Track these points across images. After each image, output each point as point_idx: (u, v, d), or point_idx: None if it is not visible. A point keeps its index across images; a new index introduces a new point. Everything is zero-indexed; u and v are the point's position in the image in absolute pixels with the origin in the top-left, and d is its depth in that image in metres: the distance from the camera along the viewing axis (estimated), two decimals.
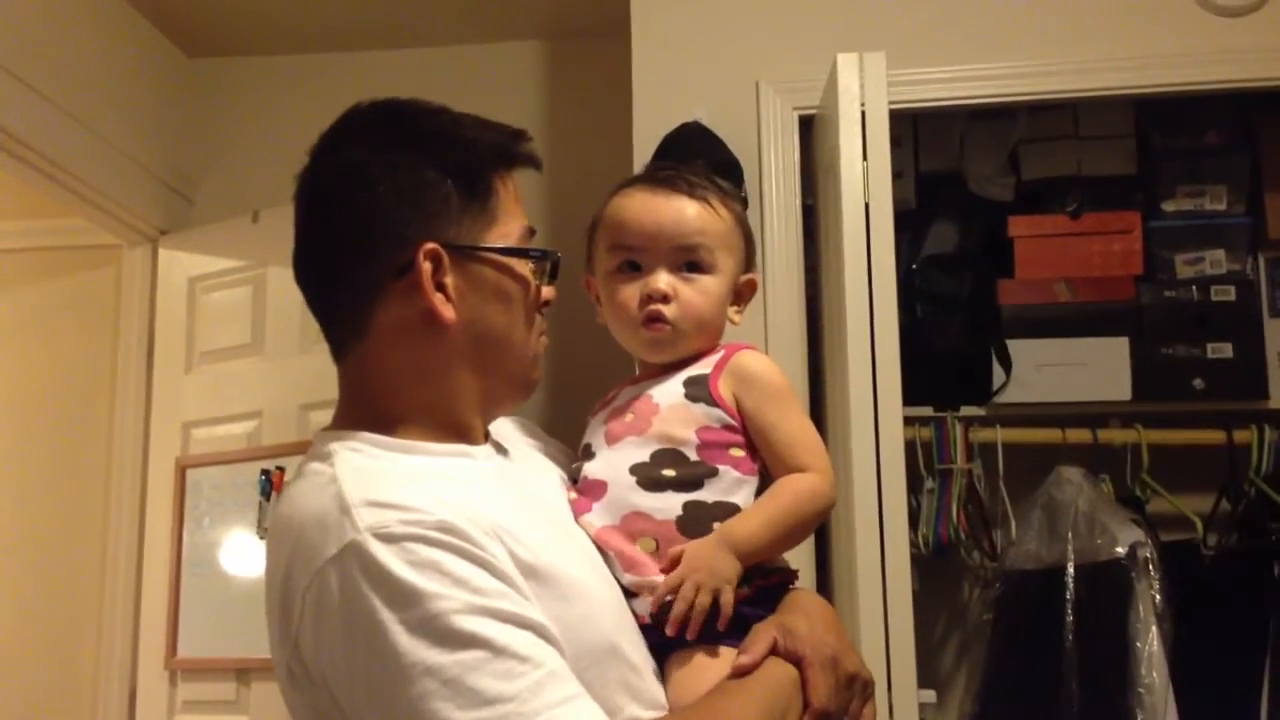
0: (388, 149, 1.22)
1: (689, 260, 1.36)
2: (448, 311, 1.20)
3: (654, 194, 1.38)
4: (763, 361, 1.37)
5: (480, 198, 1.24)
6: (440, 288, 1.20)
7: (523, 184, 1.31)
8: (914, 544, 2.77)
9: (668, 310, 1.34)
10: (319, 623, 1.07)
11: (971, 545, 2.95)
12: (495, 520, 1.12)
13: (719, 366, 1.35)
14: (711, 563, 1.22)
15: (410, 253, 1.19)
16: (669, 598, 1.22)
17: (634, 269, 1.37)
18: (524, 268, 1.27)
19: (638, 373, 1.43)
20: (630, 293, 1.36)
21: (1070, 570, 2.70)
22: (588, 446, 1.37)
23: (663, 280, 1.35)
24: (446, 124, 1.25)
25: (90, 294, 3.68)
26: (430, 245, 1.19)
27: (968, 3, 2.74)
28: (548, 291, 1.31)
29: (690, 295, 1.36)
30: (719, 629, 1.22)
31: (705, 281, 1.37)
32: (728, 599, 1.22)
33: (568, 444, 1.47)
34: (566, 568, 1.17)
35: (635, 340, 1.37)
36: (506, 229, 1.26)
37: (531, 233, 1.29)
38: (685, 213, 1.37)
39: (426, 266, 1.19)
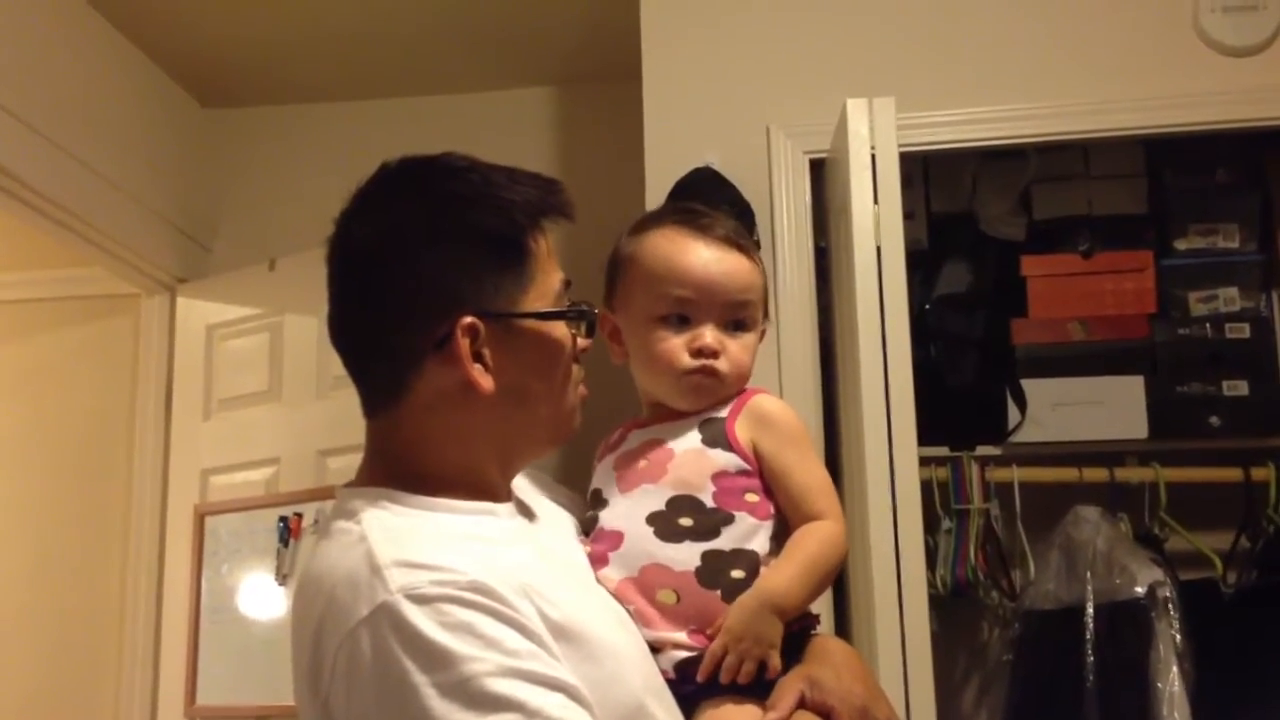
0: (422, 215, 1.21)
1: (736, 316, 1.37)
2: (486, 382, 1.20)
3: (704, 243, 1.37)
4: (780, 405, 1.37)
5: (515, 261, 1.22)
6: (478, 358, 1.20)
7: None
8: (932, 585, 2.76)
9: (718, 365, 1.34)
10: (351, 684, 1.07)
11: (990, 585, 2.94)
12: (523, 579, 1.12)
13: (735, 410, 1.35)
14: (756, 629, 1.22)
15: (449, 325, 1.18)
16: (688, 654, 1.23)
17: (680, 320, 1.35)
18: (561, 327, 1.26)
19: (645, 413, 1.41)
20: (677, 344, 1.34)
21: (1089, 610, 2.69)
22: (598, 493, 1.36)
23: (713, 336, 1.34)
24: (479, 185, 1.23)
25: (109, 343, 3.71)
26: (467, 319, 1.18)
27: (977, 45, 2.76)
28: (584, 342, 1.30)
29: (737, 351, 1.36)
30: (766, 679, 1.22)
31: (748, 339, 1.38)
32: (775, 664, 1.22)
33: (570, 486, 1.46)
34: (594, 627, 1.16)
35: (675, 386, 1.35)
36: (543, 288, 1.25)
37: (567, 285, 1.28)
38: (739, 269, 1.37)
39: (464, 342, 1.18)
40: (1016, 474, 2.86)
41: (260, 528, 3.19)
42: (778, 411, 1.36)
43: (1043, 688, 2.75)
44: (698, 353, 1.34)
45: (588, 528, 1.35)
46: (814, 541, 1.29)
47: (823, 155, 2.69)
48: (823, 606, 2.40)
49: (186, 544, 3.32)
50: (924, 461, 2.42)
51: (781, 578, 1.25)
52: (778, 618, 1.23)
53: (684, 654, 1.24)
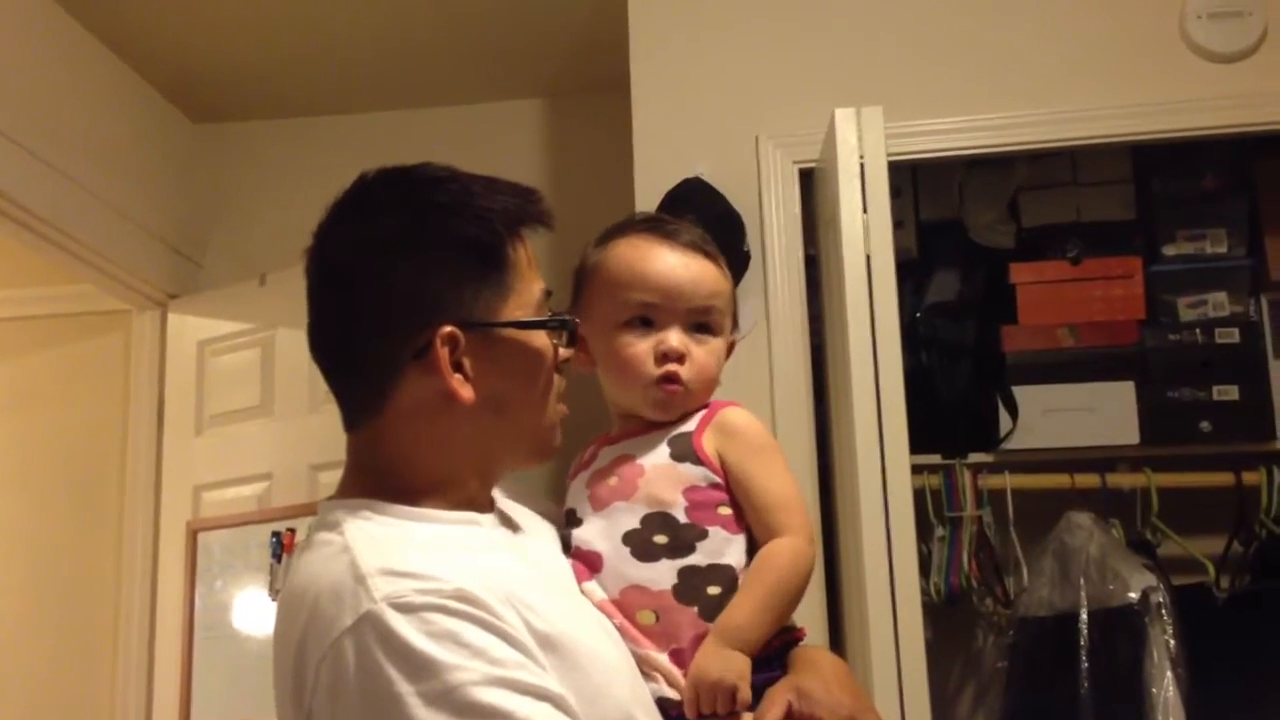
0: (399, 225, 1.21)
1: (701, 321, 1.36)
2: (465, 392, 1.19)
3: (669, 248, 1.37)
4: (747, 417, 1.36)
5: (495, 270, 1.22)
6: (458, 367, 1.19)
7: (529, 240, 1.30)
8: (926, 593, 2.76)
9: (683, 370, 1.33)
10: (335, 695, 1.06)
11: (984, 593, 2.94)
12: (509, 589, 1.11)
13: (703, 423, 1.34)
14: (719, 672, 1.20)
15: (428, 334, 1.18)
16: (668, 696, 1.22)
17: (644, 324, 1.35)
18: (541, 337, 1.25)
19: (615, 429, 1.40)
20: (643, 349, 1.34)
21: (1083, 616, 2.69)
22: (572, 512, 1.35)
23: (679, 340, 1.34)
24: (457, 194, 1.23)
25: (100, 359, 3.70)
26: (447, 329, 1.18)
27: (964, 54, 2.77)
28: (565, 352, 1.30)
29: (702, 356, 1.35)
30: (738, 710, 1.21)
31: (714, 343, 1.37)
32: (744, 696, 1.20)
33: (557, 502, 1.45)
34: (581, 637, 1.16)
35: (642, 397, 1.35)
36: (523, 297, 1.24)
37: (548, 294, 1.28)
38: (704, 274, 1.37)
39: (444, 351, 1.18)
40: (1009, 481, 2.86)
41: (253, 543, 3.19)
42: (743, 423, 1.35)
43: (1037, 694, 2.75)
44: (663, 357, 1.33)
45: (564, 547, 1.34)
46: (773, 567, 1.27)
47: (812, 165, 2.70)
48: (816, 616, 2.40)
49: (179, 560, 3.32)
50: (916, 469, 2.43)
51: (739, 615, 1.24)
52: (740, 651, 1.22)
53: (668, 693, 1.23)
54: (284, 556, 3.12)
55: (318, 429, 3.12)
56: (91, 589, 3.56)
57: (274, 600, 3.08)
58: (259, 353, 3.35)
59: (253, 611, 3.18)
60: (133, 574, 3.45)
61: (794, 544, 1.29)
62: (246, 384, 3.35)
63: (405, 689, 1.02)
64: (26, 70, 2.96)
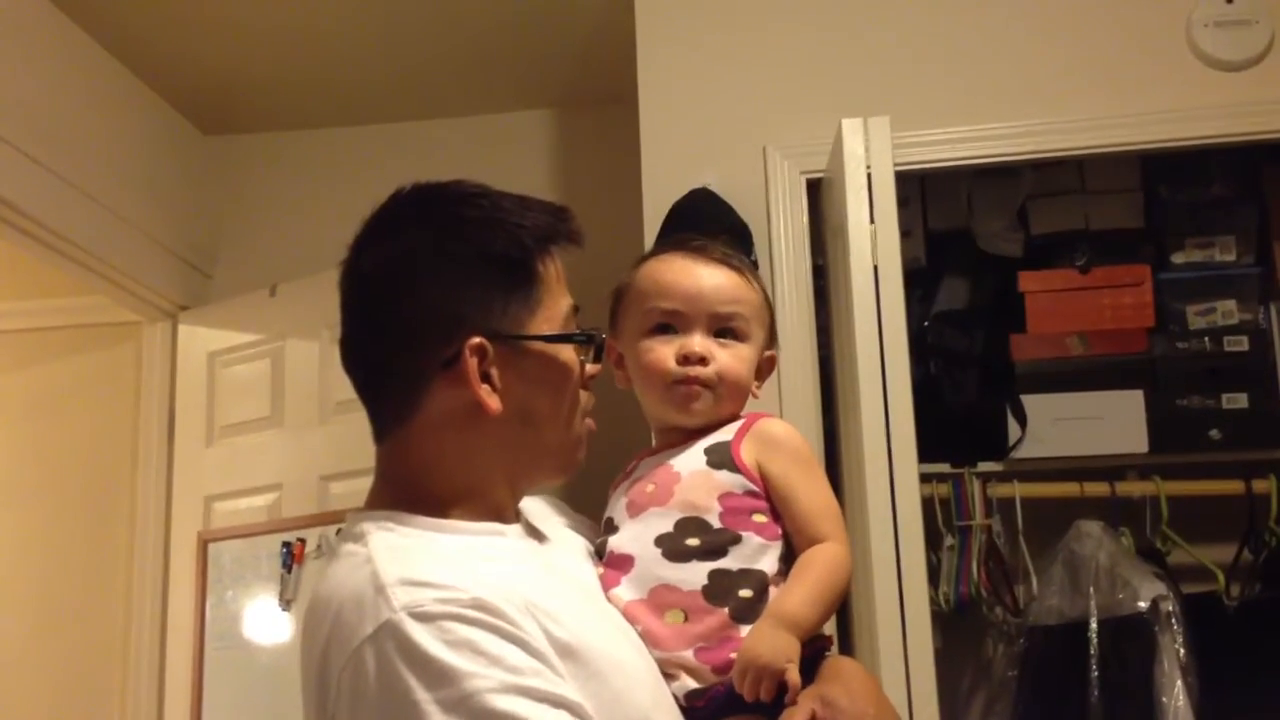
0: (432, 240, 1.24)
1: (725, 327, 1.38)
2: (493, 403, 1.21)
3: (693, 260, 1.41)
4: (787, 428, 1.38)
5: (524, 284, 1.25)
6: (486, 378, 1.22)
7: None
8: (935, 601, 2.76)
9: (704, 372, 1.35)
10: (355, 703, 1.08)
11: (993, 601, 2.94)
12: (529, 597, 1.13)
13: (741, 433, 1.36)
14: (770, 646, 1.20)
15: (456, 346, 1.20)
16: (697, 686, 1.23)
17: (669, 331, 1.38)
18: (569, 351, 1.28)
19: (655, 443, 1.43)
20: (665, 352, 1.36)
21: (1093, 625, 2.69)
22: (610, 520, 1.37)
23: (700, 343, 1.36)
24: (488, 210, 1.26)
25: (111, 371, 3.71)
26: (475, 340, 1.20)
27: (971, 64, 2.78)
28: (592, 368, 1.32)
29: (726, 359, 1.37)
30: (786, 702, 1.20)
31: (740, 349, 1.39)
32: (794, 678, 1.20)
33: (588, 516, 1.47)
34: (601, 644, 1.17)
35: (667, 401, 1.37)
36: (551, 312, 1.27)
37: (576, 310, 1.30)
38: (725, 280, 1.40)
39: (472, 361, 1.20)
40: (1018, 490, 2.86)
41: (263, 554, 3.20)
42: (784, 434, 1.37)
43: (1048, 703, 2.75)
44: (684, 359, 1.36)
45: (599, 553, 1.35)
46: (819, 564, 1.29)
47: (819, 175, 2.71)
48: (828, 626, 2.40)
49: (190, 571, 3.33)
50: (925, 478, 2.42)
51: (791, 600, 1.26)
52: (792, 634, 1.22)
53: (693, 684, 1.24)
54: (294, 567, 3.13)
55: (328, 439, 3.13)
56: (102, 599, 3.57)
57: (284, 610, 3.10)
58: (269, 363, 3.36)
59: (263, 622, 3.18)
60: (143, 584, 3.47)
61: (837, 549, 1.31)
62: (257, 395, 3.36)
63: (423, 696, 1.04)
64: (37, 83, 2.97)
